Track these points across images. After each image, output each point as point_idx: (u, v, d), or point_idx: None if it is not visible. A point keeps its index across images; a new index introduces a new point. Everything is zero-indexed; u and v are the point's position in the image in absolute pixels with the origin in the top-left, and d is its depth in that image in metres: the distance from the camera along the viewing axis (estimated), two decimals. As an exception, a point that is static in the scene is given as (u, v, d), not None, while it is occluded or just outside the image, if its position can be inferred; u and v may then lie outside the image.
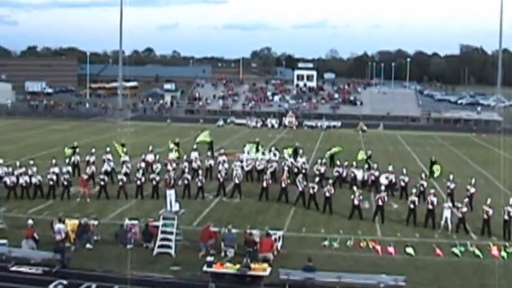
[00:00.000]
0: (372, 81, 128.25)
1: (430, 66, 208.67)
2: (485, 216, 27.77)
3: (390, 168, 36.53)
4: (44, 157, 43.75)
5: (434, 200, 29.07)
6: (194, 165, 37.91)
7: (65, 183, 33.25)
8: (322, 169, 37.60)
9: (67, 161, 37.92)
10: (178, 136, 49.26)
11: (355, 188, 31.63)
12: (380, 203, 29.71)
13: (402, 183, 34.58)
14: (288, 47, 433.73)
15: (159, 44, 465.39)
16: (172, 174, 34.04)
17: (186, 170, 36.03)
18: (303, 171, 37.66)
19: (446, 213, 28.50)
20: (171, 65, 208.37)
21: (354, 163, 38.18)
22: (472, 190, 32.21)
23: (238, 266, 21.40)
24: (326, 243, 25.94)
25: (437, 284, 21.86)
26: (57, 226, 24.93)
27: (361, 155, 41.58)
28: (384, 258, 24.45)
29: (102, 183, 33.54)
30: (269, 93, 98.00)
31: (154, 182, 33.61)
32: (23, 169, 34.14)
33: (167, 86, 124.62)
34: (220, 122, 76.81)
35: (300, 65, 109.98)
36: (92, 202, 32.40)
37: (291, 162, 38.88)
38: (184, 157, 39.50)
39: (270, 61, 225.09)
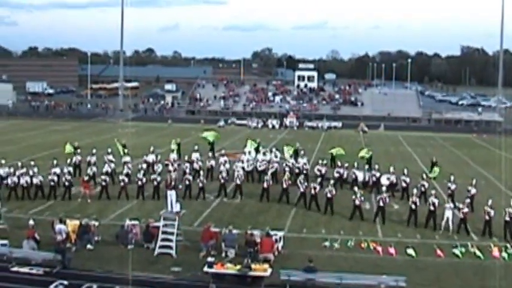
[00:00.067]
0: (373, 82, 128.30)
1: (431, 67, 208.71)
2: (486, 217, 27.75)
3: (391, 169, 36.50)
4: (45, 158, 43.76)
5: (436, 201, 29.05)
6: (195, 165, 37.93)
7: (66, 183, 33.28)
8: (323, 170, 37.61)
9: (68, 161, 37.93)
10: (179, 137, 49.20)
11: (356, 188, 31.61)
12: (381, 203, 29.70)
13: (404, 184, 34.57)
14: (289, 47, 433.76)
15: (160, 45, 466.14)
16: (174, 175, 34.01)
17: (187, 170, 36.08)
18: (304, 171, 37.65)
19: (448, 214, 28.48)
20: (172, 66, 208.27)
21: (355, 164, 38.15)
22: (473, 191, 32.20)
23: (239, 266, 21.42)
24: (327, 243, 25.95)
25: (438, 285, 21.86)
26: (58, 227, 24.96)
27: (364, 153, 41.61)
28: (385, 259, 24.45)
29: (103, 183, 33.56)
30: (270, 94, 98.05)
31: (155, 183, 33.63)
32: (24, 169, 34.18)
33: (168, 86, 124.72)
34: (221, 123, 76.81)
35: (301, 65, 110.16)
36: (93, 203, 32.41)
37: (292, 163, 38.87)
38: (186, 158, 39.48)
39: (271, 62, 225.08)
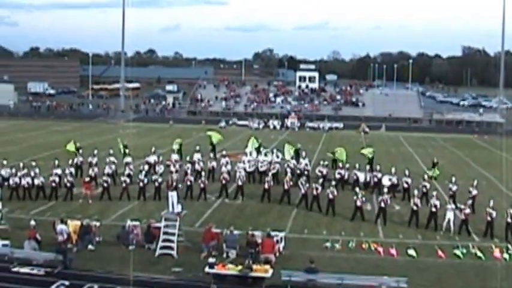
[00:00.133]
0: (374, 83, 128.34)
1: (432, 68, 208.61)
2: (488, 218, 27.74)
3: (393, 169, 36.49)
4: (46, 158, 43.80)
5: (437, 203, 29.04)
6: (197, 166, 37.97)
7: (68, 184, 33.31)
8: (325, 171, 37.62)
9: (70, 162, 37.95)
10: (181, 137, 49.13)
11: (357, 189, 31.60)
12: (382, 205, 29.71)
13: (405, 185, 34.55)
14: (290, 48, 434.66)
15: (161, 45, 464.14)
16: (175, 175, 34.07)
17: (189, 171, 36.09)
18: (305, 172, 37.64)
19: (449, 215, 28.49)
20: (173, 66, 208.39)
21: (357, 165, 38.14)
22: (474, 192, 32.18)
23: (240, 267, 21.43)
24: (328, 244, 25.95)
25: (439, 286, 21.86)
26: (60, 227, 24.99)
27: (367, 151, 41.55)
28: (386, 259, 24.45)
29: (105, 185, 33.59)
30: (271, 95, 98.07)
31: (156, 184, 33.65)
32: (26, 170, 34.22)
33: (169, 87, 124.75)
34: (222, 124, 76.82)
35: (302, 66, 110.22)
36: (94, 203, 32.44)
37: (293, 164, 38.88)
38: (187, 158, 39.51)
39: (272, 62, 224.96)
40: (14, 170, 34.43)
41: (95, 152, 39.98)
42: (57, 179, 33.79)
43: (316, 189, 31.99)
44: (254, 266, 21.41)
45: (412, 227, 28.98)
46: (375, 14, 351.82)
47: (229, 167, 37.40)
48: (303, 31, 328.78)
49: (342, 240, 26.43)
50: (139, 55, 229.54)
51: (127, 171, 35.63)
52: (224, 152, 41.44)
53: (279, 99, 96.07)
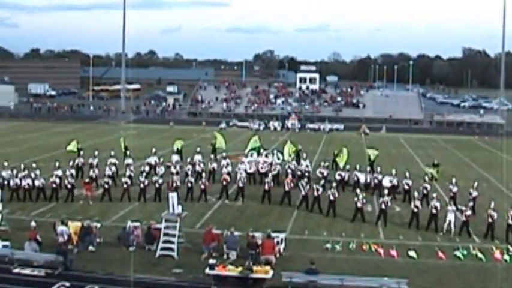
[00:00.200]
0: (375, 84, 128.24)
1: (432, 69, 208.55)
2: (489, 220, 27.73)
3: (393, 171, 36.49)
4: (46, 159, 43.83)
5: (438, 204, 29.03)
6: (197, 168, 37.96)
7: (69, 186, 33.32)
8: (325, 172, 37.64)
9: (70, 163, 37.96)
10: (181, 139, 49.07)
11: (358, 191, 31.59)
12: (383, 206, 29.70)
13: (406, 187, 34.51)
14: (291, 50, 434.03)
15: (161, 47, 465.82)
16: (176, 177, 34.10)
17: (190, 172, 36.09)
18: (306, 174, 37.64)
19: (450, 217, 28.47)
20: (173, 68, 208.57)
21: (357, 166, 38.13)
22: (475, 193, 32.18)
23: (240, 268, 21.43)
24: (328, 246, 25.94)
25: (440, 287, 21.85)
26: (60, 228, 25.00)
27: (371, 152, 41.49)
28: (387, 261, 24.44)
29: (105, 186, 33.60)
30: (272, 96, 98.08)
31: (157, 185, 33.66)
32: (26, 172, 34.24)
33: (170, 88, 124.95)
34: (223, 125, 76.82)
35: (303, 67, 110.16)
36: (95, 204, 32.44)
37: (294, 165, 38.89)
38: (188, 160, 39.52)
39: (273, 64, 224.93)
40: (14, 172, 34.44)
41: (96, 153, 40.03)
42: (57, 181, 33.80)
43: (317, 190, 31.98)
44: (254, 268, 21.41)
45: (413, 228, 28.97)
46: (376, 16, 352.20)
47: (229, 168, 37.43)
48: (304, 33, 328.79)
49: (343, 242, 26.42)
50: (139, 56, 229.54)
51: (128, 173, 35.63)
52: (224, 154, 41.45)
53: (279, 101, 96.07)
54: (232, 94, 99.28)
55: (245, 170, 37.62)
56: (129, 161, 39.27)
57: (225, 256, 24.07)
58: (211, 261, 21.88)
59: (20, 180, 33.52)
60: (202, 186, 33.86)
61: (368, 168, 39.51)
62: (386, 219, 29.64)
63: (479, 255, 25.03)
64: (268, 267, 21.67)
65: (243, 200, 33.90)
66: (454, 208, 29.22)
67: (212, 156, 42.72)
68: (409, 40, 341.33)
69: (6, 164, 36.17)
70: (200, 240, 25.01)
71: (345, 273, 21.61)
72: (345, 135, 71.78)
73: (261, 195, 33.88)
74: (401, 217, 31.08)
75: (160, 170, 37.33)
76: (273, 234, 24.62)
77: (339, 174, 37.26)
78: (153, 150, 41.35)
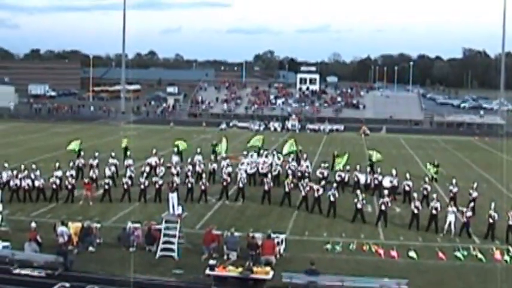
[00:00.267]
0: (375, 85, 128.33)
1: (432, 70, 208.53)
2: (490, 221, 27.74)
3: (393, 171, 36.48)
4: (47, 160, 43.83)
5: (438, 205, 29.04)
6: (198, 168, 37.96)
7: (69, 186, 33.32)
8: (325, 173, 37.64)
9: (71, 164, 37.95)
10: (181, 139, 49.08)
11: (358, 191, 31.58)
12: (383, 207, 29.70)
13: (406, 188, 34.47)
14: (291, 50, 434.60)
15: (162, 47, 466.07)
16: (176, 177, 34.10)
17: (190, 173, 36.09)
18: (306, 174, 37.64)
19: (450, 218, 28.46)
20: (174, 68, 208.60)
21: (357, 167, 38.12)
22: (475, 194, 32.18)
23: (240, 269, 21.44)
24: (329, 246, 25.93)
25: (440, 288, 21.88)
26: (60, 229, 24.99)
27: (375, 155, 41.43)
28: (387, 261, 24.44)
29: (106, 186, 33.60)
30: (272, 97, 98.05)
31: (157, 186, 33.66)
32: (26, 172, 34.24)
33: (170, 89, 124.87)
34: (223, 126, 76.83)
35: (303, 68, 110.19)
36: (95, 205, 32.44)
37: (294, 166, 38.89)
38: (188, 160, 39.53)
39: (273, 65, 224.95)
40: (14, 172, 34.43)
41: (96, 154, 40.03)
42: (57, 181, 33.80)
43: (318, 191, 31.98)
44: (255, 268, 21.42)
45: (413, 229, 28.96)
46: (376, 17, 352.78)
47: (230, 169, 37.43)
48: (305, 34, 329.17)
49: (343, 242, 26.41)
50: (140, 57, 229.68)
51: (128, 173, 35.65)
52: (224, 155, 41.44)
53: (279, 101, 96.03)
54: (232, 95, 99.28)
55: (245, 171, 37.62)
56: (130, 161, 39.30)
57: (225, 257, 24.06)
58: (212, 261, 21.89)
59: (20, 180, 33.52)
60: (203, 187, 33.85)
61: (368, 169, 39.50)
62: (386, 220, 29.64)
63: (480, 255, 25.03)
64: (268, 268, 21.68)
65: (243, 200, 33.91)
66: (455, 209, 29.21)
67: (212, 157, 42.71)
68: (409, 41, 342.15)
69: (6, 165, 36.15)
70: (200, 240, 25.00)
71: (345, 274, 21.61)
72: (345, 136, 71.81)
73: (261, 195, 33.88)
74: (401, 218, 31.08)
75: (161, 170, 37.36)
76: (273, 235, 24.63)
77: (339, 175, 37.21)
78: (154, 151, 41.36)
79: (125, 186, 33.64)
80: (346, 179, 37.48)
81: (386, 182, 35.46)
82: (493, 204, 28.32)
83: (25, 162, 38.85)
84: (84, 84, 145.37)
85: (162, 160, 39.91)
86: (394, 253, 25.04)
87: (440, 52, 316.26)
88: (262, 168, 38.79)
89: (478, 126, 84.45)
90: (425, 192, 33.00)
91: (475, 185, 33.13)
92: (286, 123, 79.80)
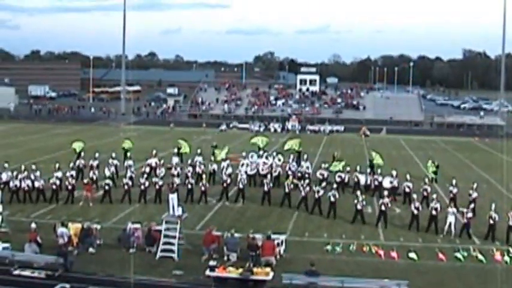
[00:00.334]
0: (375, 86, 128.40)
1: (433, 71, 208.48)
2: (490, 222, 27.73)
3: (393, 172, 36.47)
4: (47, 161, 43.83)
5: (438, 206, 29.04)
6: (198, 169, 37.95)
7: (70, 187, 33.31)
8: (325, 174, 37.63)
9: (71, 165, 37.94)
10: (186, 140, 48.98)
11: (358, 192, 31.57)
12: (383, 208, 29.69)
13: (407, 189, 34.43)
14: (291, 51, 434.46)
15: (162, 48, 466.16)
16: (176, 178, 34.09)
17: (190, 174, 36.09)
18: (306, 175, 37.64)
19: (451, 219, 28.46)
20: (174, 69, 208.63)
21: (358, 167, 38.12)
22: (475, 195, 32.17)
23: (240, 270, 21.43)
24: (329, 247, 25.92)
25: (440, 289, 21.87)
26: (60, 230, 24.99)
27: (376, 158, 41.34)
28: (387, 262, 24.44)
29: (106, 187, 33.60)
30: (272, 98, 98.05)
31: (157, 187, 33.66)
32: (26, 173, 34.24)
33: (170, 90, 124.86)
34: (223, 127, 76.83)
35: (303, 69, 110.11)
36: (95, 206, 32.44)
37: (294, 167, 38.88)
38: (188, 161, 39.52)
39: (273, 65, 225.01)
40: (14, 173, 34.42)
41: (96, 155, 40.04)
42: (58, 182, 33.79)
43: (318, 192, 31.97)
44: (255, 269, 21.42)
45: (413, 230, 28.96)
46: (376, 17, 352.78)
47: (230, 170, 37.42)
48: (305, 34, 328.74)
49: (343, 243, 26.42)
50: (140, 58, 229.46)
51: (128, 174, 35.64)
52: (225, 155, 41.42)
53: (279, 102, 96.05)
54: (232, 96, 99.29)
55: (245, 172, 37.62)
56: (130, 162, 39.30)
57: (225, 258, 24.06)
58: (212, 262, 21.89)
59: (20, 181, 33.50)
60: (203, 188, 33.85)
61: (368, 170, 39.50)
62: (386, 221, 29.64)
63: (480, 256, 25.02)
64: (268, 269, 21.67)
65: (243, 201, 33.90)
66: (455, 210, 29.20)
67: (212, 158, 42.68)
68: (410, 42, 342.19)
69: (6, 165, 36.14)
70: (200, 241, 25.00)
71: (345, 275, 21.63)
72: (345, 137, 71.81)
73: (261, 196, 33.88)
74: (401, 219, 31.08)
75: (161, 171, 37.35)
76: (273, 236, 24.64)
77: (339, 176, 37.22)
78: (154, 151, 41.34)
79: (125, 187, 33.65)
80: (346, 180, 37.49)
81: (387, 183, 35.46)
82: (493, 205, 28.33)
83: (25, 163, 38.78)
84: (84, 85, 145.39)
85: (162, 161, 39.91)
86: (394, 254, 25.03)
87: (441, 53, 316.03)
88: (262, 169, 38.78)
89: (478, 127, 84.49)
90: (425, 193, 33.02)
91: (475, 186, 33.12)
92: (286, 124, 79.83)
